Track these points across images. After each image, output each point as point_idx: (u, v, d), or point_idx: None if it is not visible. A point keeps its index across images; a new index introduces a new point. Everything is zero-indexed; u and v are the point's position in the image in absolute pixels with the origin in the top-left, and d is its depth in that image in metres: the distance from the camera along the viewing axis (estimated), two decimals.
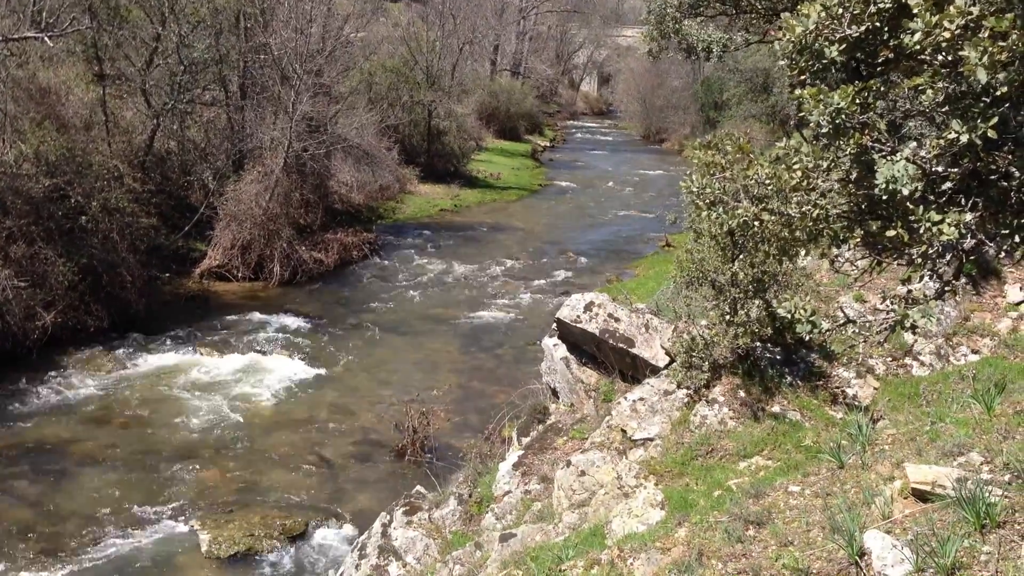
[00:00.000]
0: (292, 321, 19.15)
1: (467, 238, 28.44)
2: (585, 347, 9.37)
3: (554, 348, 9.63)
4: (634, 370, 8.94)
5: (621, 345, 8.87)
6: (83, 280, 16.95)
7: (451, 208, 32.85)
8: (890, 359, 8.04)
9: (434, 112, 36.19)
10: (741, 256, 7.72)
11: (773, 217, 4.06)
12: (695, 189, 4.86)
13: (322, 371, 16.54)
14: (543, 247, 28.00)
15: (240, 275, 21.55)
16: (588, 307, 9.16)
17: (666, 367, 8.62)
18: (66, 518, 11.22)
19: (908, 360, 8.03)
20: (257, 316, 19.27)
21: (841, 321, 5.02)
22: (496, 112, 50.45)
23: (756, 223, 4.23)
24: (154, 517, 11.31)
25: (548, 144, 55.03)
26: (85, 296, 17.03)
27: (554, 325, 9.75)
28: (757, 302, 7.70)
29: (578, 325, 9.10)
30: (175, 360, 16.46)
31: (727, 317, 7.75)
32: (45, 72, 20.50)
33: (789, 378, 7.75)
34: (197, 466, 12.73)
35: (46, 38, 18.36)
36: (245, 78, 24.81)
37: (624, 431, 7.76)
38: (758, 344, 7.95)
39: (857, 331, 5.43)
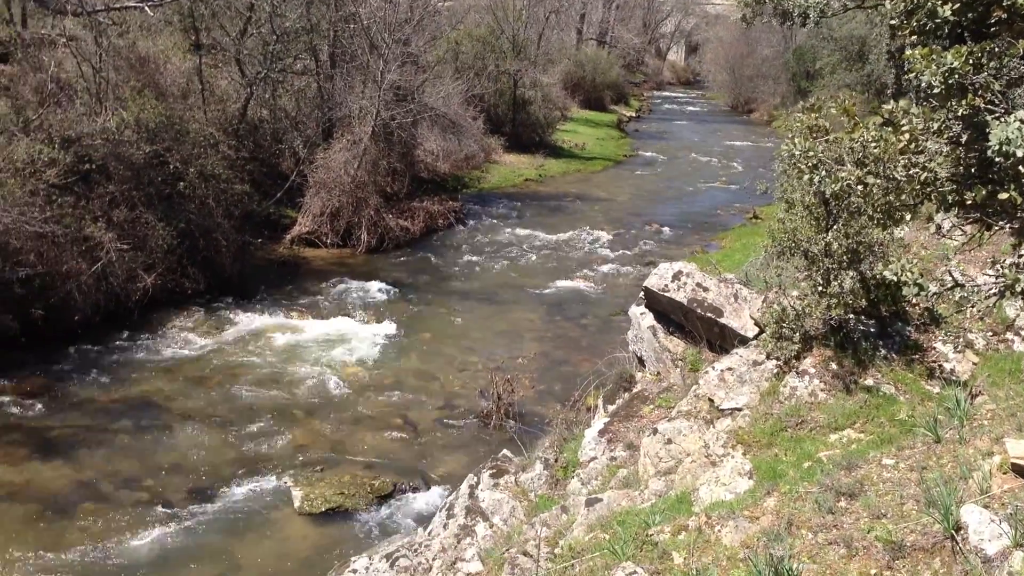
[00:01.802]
0: (379, 288, 19.46)
1: (551, 208, 28.42)
2: (672, 316, 9.32)
3: (641, 317, 9.61)
4: (722, 340, 8.87)
5: (709, 315, 8.81)
6: (181, 244, 17.51)
7: (535, 178, 32.83)
8: (990, 334, 7.81)
9: (520, 81, 36.12)
10: (835, 226, 7.57)
11: (878, 181, 3.97)
12: (797, 152, 4.77)
13: (408, 337, 16.81)
14: (627, 218, 27.82)
15: (329, 242, 21.97)
16: (676, 276, 9.11)
17: (755, 337, 8.54)
18: (167, 471, 11.69)
19: (1009, 335, 7.79)
20: (345, 282, 19.65)
21: (949, 284, 4.90)
22: (581, 82, 50.11)
23: (859, 187, 4.15)
24: (249, 473, 11.70)
25: (633, 114, 54.47)
26: (183, 260, 17.60)
27: (641, 294, 9.72)
28: (851, 273, 7.55)
29: (666, 294, 9.06)
30: (267, 323, 16.91)
31: (819, 288, 7.62)
32: (144, 42, 21.13)
33: (883, 351, 7.60)
34: (289, 426, 13.10)
35: (146, 7, 18.88)
36: (335, 47, 25.12)
37: (711, 400, 7.72)
38: (851, 316, 7.80)
39: (965, 295, 5.29)
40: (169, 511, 10.78)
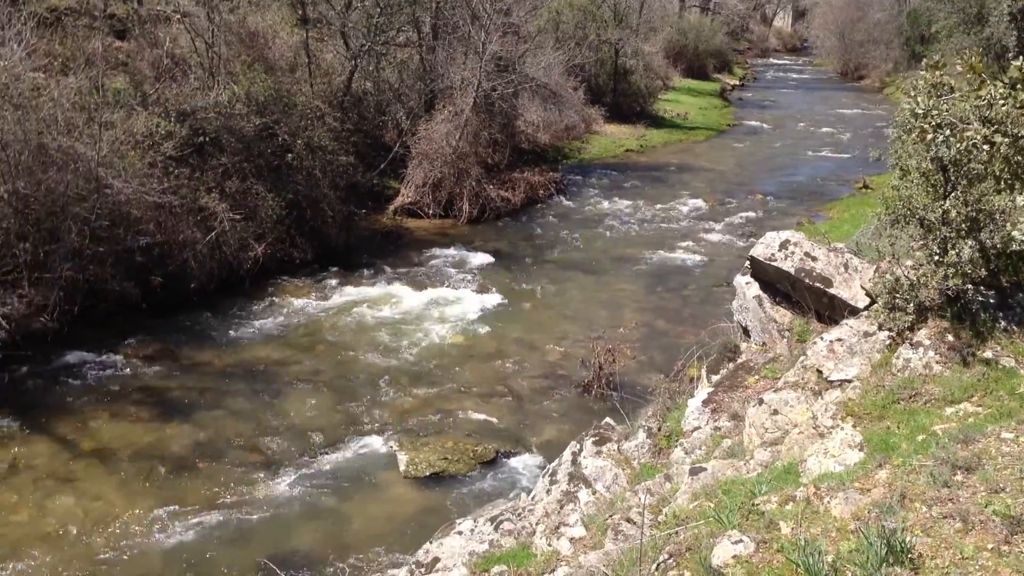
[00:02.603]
0: (480, 258, 19.64)
1: (652, 178, 28.12)
2: (779, 286, 9.16)
3: (746, 286, 9.47)
4: (831, 310, 8.68)
5: (818, 284, 8.62)
6: (289, 214, 18.01)
7: (636, 148, 32.51)
8: None
9: (621, 51, 35.73)
10: (954, 193, 7.30)
11: (1007, 140, 3.81)
12: (920, 111, 4.61)
13: (509, 307, 16.94)
14: (731, 188, 27.35)
15: (431, 212, 22.25)
16: (783, 245, 8.93)
17: (866, 308, 8.32)
18: (279, 433, 12.11)
19: None
20: (447, 252, 19.89)
21: None
22: (684, 50, 49.26)
23: (987, 147, 3.99)
24: (356, 437, 12.03)
25: (737, 82, 53.31)
26: (291, 230, 18.10)
27: (747, 263, 9.57)
28: (970, 242, 7.27)
29: (772, 263, 8.90)
30: (372, 292, 17.27)
31: (936, 257, 7.36)
32: (254, 17, 21.69)
33: (1003, 323, 7.31)
34: (394, 392, 13.40)
35: None
36: (437, 19, 25.29)
37: (820, 371, 7.58)
38: (969, 286, 7.52)
39: None
40: (281, 471, 11.17)
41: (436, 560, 7.26)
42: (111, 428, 12.10)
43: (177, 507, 10.33)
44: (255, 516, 10.28)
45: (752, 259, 9.29)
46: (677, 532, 5.67)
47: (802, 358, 7.90)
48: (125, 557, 9.48)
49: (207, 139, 17.34)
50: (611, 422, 9.00)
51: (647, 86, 37.57)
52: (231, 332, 15.28)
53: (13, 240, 13.74)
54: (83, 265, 14.40)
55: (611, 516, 6.66)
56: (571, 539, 6.76)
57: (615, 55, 35.57)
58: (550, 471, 8.10)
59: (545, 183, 25.02)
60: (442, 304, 16.85)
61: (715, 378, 9.03)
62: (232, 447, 11.78)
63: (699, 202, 25.10)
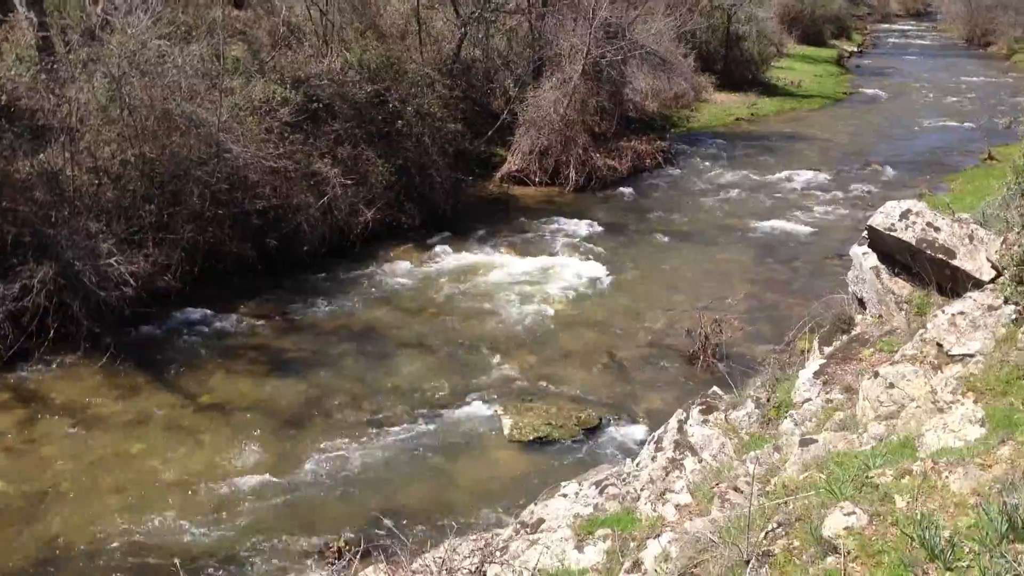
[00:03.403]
0: (586, 226, 19.58)
1: (763, 148, 27.46)
2: (898, 257, 8.84)
3: (863, 257, 9.18)
4: (953, 283, 8.34)
5: (940, 256, 8.29)
6: (398, 180, 18.30)
7: (747, 117, 31.78)
8: None
9: (734, 16, 34.89)
10: None
11: None
12: None
13: (614, 275, 16.86)
14: (846, 158, 26.50)
15: (537, 180, 22.26)
16: (904, 215, 8.61)
17: (991, 281, 7.98)
18: (386, 393, 12.40)
19: None
20: (553, 220, 19.89)
21: None
22: (799, 16, 47.73)
23: None
24: (462, 400, 12.21)
25: (855, 49, 51.46)
26: (400, 195, 18.39)
27: (864, 233, 9.27)
28: None
29: (892, 233, 8.59)
30: (478, 258, 17.43)
31: None
32: None
33: None
34: (499, 357, 13.53)
35: None
36: None
37: (940, 345, 7.31)
38: None
39: None
40: (388, 430, 11.44)
41: (541, 521, 7.34)
42: (228, 383, 12.59)
43: (288, 461, 10.71)
44: (363, 472, 10.58)
45: (870, 229, 8.99)
46: (786, 502, 5.59)
47: (921, 331, 7.64)
48: (241, 506, 9.89)
49: (320, 105, 17.71)
50: (718, 391, 8.90)
51: (760, 53, 36.61)
52: (341, 294, 15.65)
53: (139, 202, 14.36)
54: (203, 227, 14.96)
55: (717, 484, 6.61)
56: (676, 505, 6.74)
57: (728, 21, 34.76)
58: (655, 438, 8.06)
59: (652, 152, 24.71)
60: (547, 271, 16.89)
61: (827, 350, 8.81)
62: (341, 405, 12.12)
63: (812, 173, 24.40)
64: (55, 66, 14.85)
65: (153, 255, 14.04)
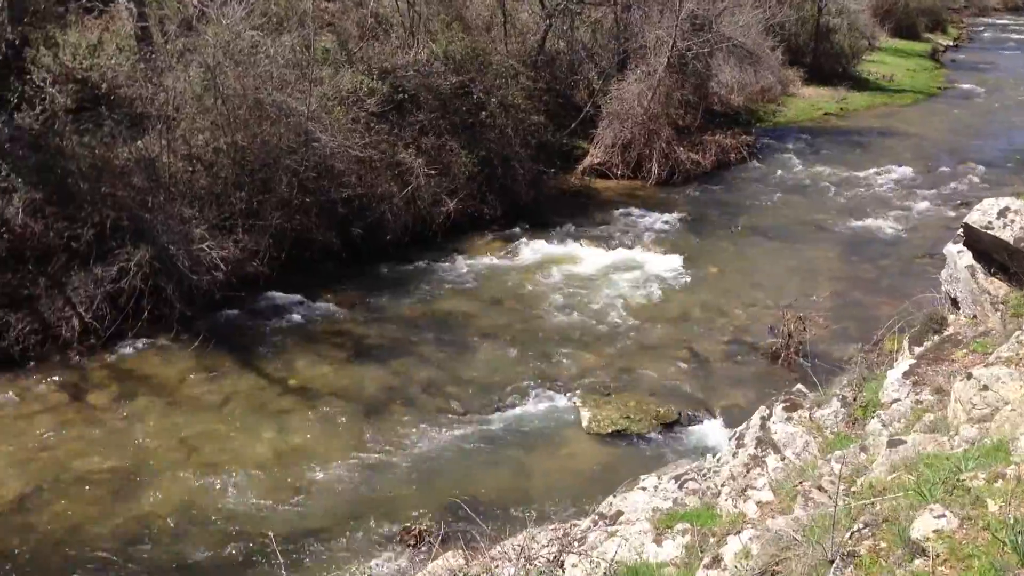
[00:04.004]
0: (668, 220, 19.42)
1: (852, 143, 26.81)
2: (995, 256, 8.56)
3: (958, 255, 8.91)
4: None
5: None
6: (481, 171, 18.39)
7: (836, 112, 31.04)
8: None
9: (824, 8, 34.10)
10: None
11: None
12: None
13: (696, 270, 16.70)
14: (938, 155, 25.68)
15: (619, 173, 22.13)
16: (1002, 213, 8.33)
17: None
18: (466, 383, 12.52)
19: None
20: (634, 213, 19.77)
21: None
22: (893, 8, 46.37)
23: None
24: (540, 391, 12.26)
25: (951, 43, 49.77)
26: (482, 186, 18.48)
27: (959, 231, 9.00)
28: None
29: (989, 232, 8.32)
30: (559, 251, 17.43)
31: None
32: None
33: None
34: (577, 349, 13.54)
35: None
36: None
37: None
38: None
39: None
40: (466, 419, 11.57)
41: (619, 513, 7.34)
42: (311, 368, 12.86)
43: (369, 446, 10.91)
44: (442, 460, 10.72)
45: (966, 226, 8.72)
46: (873, 503, 5.49)
47: (1018, 333, 7.39)
48: (321, 488, 10.12)
49: (406, 96, 17.92)
50: (803, 389, 8.75)
51: (851, 46, 35.69)
52: (423, 284, 15.83)
53: (231, 189, 14.75)
54: (291, 214, 15.29)
55: (801, 483, 6.52)
56: (758, 502, 6.67)
57: (818, 13, 33.98)
58: (737, 434, 7.99)
59: (737, 146, 24.34)
60: (628, 265, 16.81)
61: (918, 350, 8.59)
62: (421, 393, 12.28)
63: (903, 169, 23.74)
64: (153, 56, 15.34)
65: (242, 241, 14.41)
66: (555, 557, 6.77)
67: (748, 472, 7.31)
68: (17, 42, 15.08)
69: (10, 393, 11.55)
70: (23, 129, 13.46)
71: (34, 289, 12.70)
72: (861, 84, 34.77)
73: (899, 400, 7.69)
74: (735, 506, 6.80)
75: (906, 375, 7.97)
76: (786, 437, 7.63)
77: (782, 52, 30.54)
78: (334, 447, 10.86)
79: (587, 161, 22.33)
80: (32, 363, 12.26)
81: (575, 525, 7.49)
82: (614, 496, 7.79)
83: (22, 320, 12.39)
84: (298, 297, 14.70)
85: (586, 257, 17.09)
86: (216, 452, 10.73)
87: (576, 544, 7.06)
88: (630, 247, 17.73)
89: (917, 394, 7.67)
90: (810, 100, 31.75)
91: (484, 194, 18.52)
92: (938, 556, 4.64)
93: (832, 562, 4.86)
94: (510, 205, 18.92)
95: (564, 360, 13.21)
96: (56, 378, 12.04)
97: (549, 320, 14.55)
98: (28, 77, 14.05)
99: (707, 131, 24.29)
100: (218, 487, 10.04)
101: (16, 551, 8.98)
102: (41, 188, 13.04)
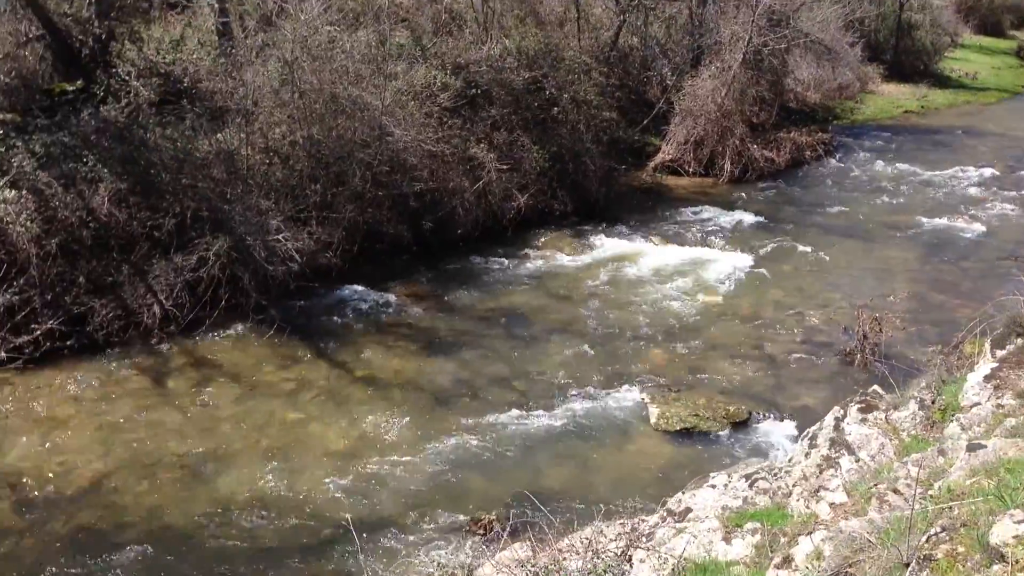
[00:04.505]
0: (740, 218, 19.20)
1: (933, 142, 26.16)
2: None
3: None
4: None
5: None
6: (552, 167, 18.40)
7: (916, 110, 30.33)
8: None
9: (906, 4, 33.30)
10: None
11: None
12: None
13: (768, 269, 16.47)
14: (1022, 155, 24.92)
15: (691, 170, 21.95)
16: None
17: None
18: (533, 377, 12.55)
19: None
20: (706, 211, 19.59)
21: None
22: (977, 4, 45.12)
23: None
24: (608, 386, 12.23)
25: None
26: (553, 182, 18.50)
27: None
28: None
29: None
30: (628, 247, 17.36)
31: None
32: None
33: None
34: (646, 346, 13.48)
35: None
36: None
37: None
38: None
39: None
40: (534, 412, 11.58)
41: (688, 510, 7.29)
42: (381, 358, 13.03)
43: (438, 436, 11.01)
44: (509, 452, 10.77)
45: None
46: (951, 507, 5.38)
47: None
48: (390, 475, 10.24)
49: (479, 91, 18.01)
50: (879, 390, 8.59)
51: (933, 43, 34.81)
52: (492, 278, 15.91)
53: (306, 182, 15.01)
54: (364, 207, 15.50)
55: (876, 485, 6.40)
56: (831, 504, 6.57)
57: (899, 9, 33.21)
58: (810, 434, 7.87)
59: (813, 144, 23.93)
60: (698, 262, 16.66)
61: (1000, 353, 8.35)
62: (489, 386, 12.35)
63: (986, 169, 23.09)
64: (233, 51, 15.69)
65: (316, 233, 14.66)
66: (623, 552, 6.76)
67: (821, 473, 7.20)
68: (104, 36, 15.59)
69: (94, 377, 11.94)
70: (109, 121, 13.90)
71: (118, 276, 13.10)
72: (943, 82, 33.92)
73: (979, 404, 7.50)
74: (807, 507, 6.71)
75: (987, 379, 7.77)
76: (861, 439, 7.50)
77: (861, 48, 29.95)
78: (404, 437, 10.99)
79: (659, 158, 22.19)
80: (115, 348, 12.65)
81: (643, 520, 7.46)
82: (683, 492, 7.75)
83: (106, 306, 12.80)
84: (369, 289, 14.89)
85: (656, 254, 16.99)
86: (289, 439, 10.95)
87: (644, 539, 7.04)
88: (701, 244, 17.59)
89: (998, 398, 7.46)
90: (890, 98, 31.08)
91: (555, 190, 18.53)
92: (1017, 562, 4.53)
93: (907, 565, 4.78)
94: (581, 201, 18.89)
95: (633, 356, 13.16)
96: (137, 363, 12.41)
97: (618, 316, 14.50)
98: (114, 71, 14.50)
99: (782, 128, 23.97)
100: (291, 473, 10.24)
101: (97, 528, 9.29)
102: (126, 179, 13.45)
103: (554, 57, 19.51)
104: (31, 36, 15.95)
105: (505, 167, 17.48)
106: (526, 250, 17.01)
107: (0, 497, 9.63)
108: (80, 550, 8.93)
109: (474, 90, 17.90)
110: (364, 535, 8.87)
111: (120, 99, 14.05)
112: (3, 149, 11.73)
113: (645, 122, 22.39)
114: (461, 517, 9.42)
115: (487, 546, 7.90)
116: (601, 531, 6.97)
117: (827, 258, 17.17)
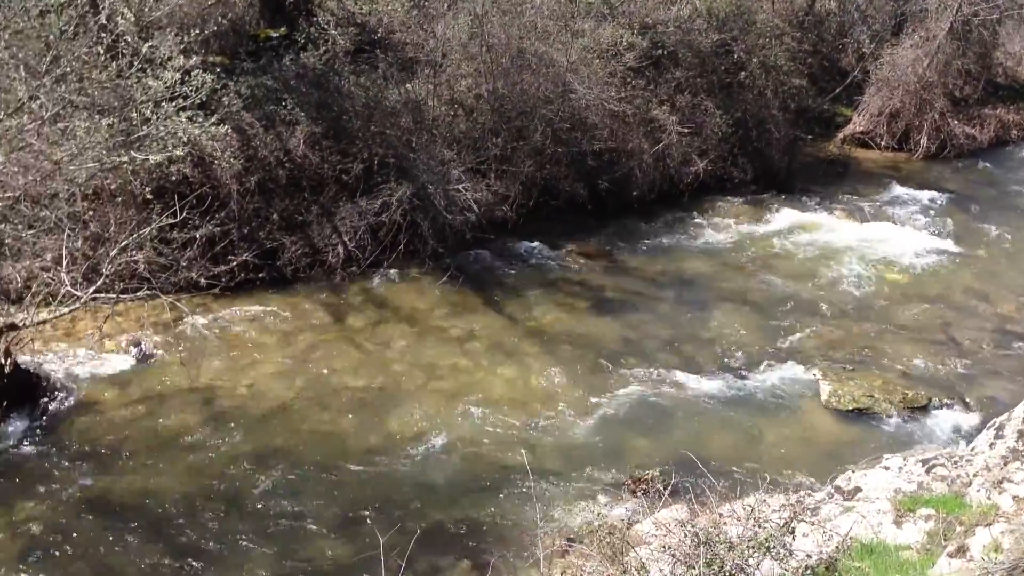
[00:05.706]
0: (932, 196, 18.20)
1: None
2: None
3: None
4: None
5: None
6: (734, 133, 17.93)
7: None
8: None
9: None
10: None
11: None
12: None
13: (960, 251, 15.60)
14: None
15: (883, 144, 20.88)
16: None
17: None
18: (701, 343, 12.43)
19: None
20: (895, 187, 18.66)
21: None
22: None
23: None
24: (777, 359, 11.97)
25: None
26: (734, 149, 18.03)
27: None
28: None
29: None
30: (808, 219, 16.78)
31: None
32: None
33: None
34: (820, 321, 13.08)
35: None
36: None
37: None
38: None
39: None
40: (700, 379, 11.51)
41: (858, 489, 7.09)
42: (550, 313, 13.19)
43: (602, 392, 11.13)
44: (671, 414, 10.77)
45: None
46: None
47: None
48: (554, 427, 10.44)
49: (665, 52, 17.71)
50: None
51: None
52: (665, 242, 15.76)
53: (488, 135, 15.25)
54: (542, 163, 15.62)
55: None
56: (1015, 496, 6.25)
57: None
58: (996, 424, 7.47)
59: (1021, 122, 22.30)
60: (883, 239, 15.94)
61: None
62: (655, 348, 12.32)
63: None
64: (426, 3, 16.02)
65: (495, 186, 14.89)
66: (786, 523, 6.65)
67: (1006, 465, 6.85)
68: None
69: (282, 308, 12.66)
70: (308, 67, 14.54)
71: (307, 216, 13.78)
72: None
73: None
74: (988, 497, 6.40)
75: None
76: None
77: None
78: (568, 391, 11.14)
79: (848, 129, 21.23)
80: (301, 283, 13.36)
81: (809, 495, 7.32)
82: (853, 471, 7.53)
83: (296, 243, 13.51)
84: (543, 244, 15.05)
85: (839, 228, 16.37)
86: (457, 383, 11.30)
87: (808, 514, 6.90)
88: (887, 221, 16.82)
89: None
90: None
91: (735, 156, 18.07)
92: None
93: None
94: (762, 170, 18.35)
95: (806, 331, 12.79)
96: (320, 298, 13.07)
97: (792, 288, 14.11)
98: (314, 19, 15.12)
99: (987, 104, 22.41)
100: (458, 416, 10.59)
101: (279, 449, 9.92)
102: (320, 123, 14.07)
103: (745, 20, 18.89)
104: None
105: (686, 131, 17.17)
106: (702, 216, 16.73)
107: (194, 411, 10.43)
108: (263, 468, 9.57)
109: (660, 51, 17.61)
110: (523, 483, 9.10)
111: (319, 47, 14.65)
112: (218, 87, 12.45)
113: (837, 91, 21.41)
114: (620, 474, 9.50)
115: (646, 503, 7.93)
116: (764, 500, 6.87)
117: None
